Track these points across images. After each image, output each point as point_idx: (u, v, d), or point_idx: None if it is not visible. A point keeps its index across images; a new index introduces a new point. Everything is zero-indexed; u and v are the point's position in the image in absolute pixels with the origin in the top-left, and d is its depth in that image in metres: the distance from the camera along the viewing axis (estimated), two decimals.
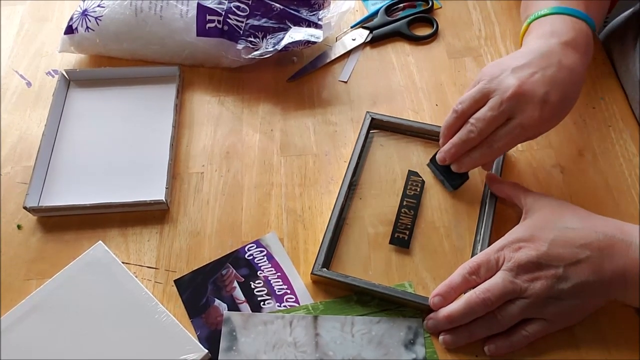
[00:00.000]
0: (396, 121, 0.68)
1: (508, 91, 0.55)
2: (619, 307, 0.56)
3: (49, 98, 0.72)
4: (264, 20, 0.72)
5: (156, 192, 0.64)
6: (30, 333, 0.56)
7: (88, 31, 0.74)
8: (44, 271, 0.60)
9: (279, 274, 0.60)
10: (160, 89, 0.74)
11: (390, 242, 0.61)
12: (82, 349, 0.55)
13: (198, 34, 0.72)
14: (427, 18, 0.80)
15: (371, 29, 0.79)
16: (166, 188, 0.64)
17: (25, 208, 0.62)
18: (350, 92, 0.74)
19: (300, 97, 0.74)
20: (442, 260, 0.60)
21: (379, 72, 0.75)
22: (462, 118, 0.58)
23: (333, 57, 0.77)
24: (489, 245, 0.57)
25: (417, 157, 0.67)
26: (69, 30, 0.74)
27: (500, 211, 0.62)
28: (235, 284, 0.60)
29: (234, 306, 0.58)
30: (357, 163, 0.65)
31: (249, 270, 0.60)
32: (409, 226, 0.62)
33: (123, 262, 0.60)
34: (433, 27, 0.79)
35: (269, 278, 0.60)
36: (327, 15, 0.73)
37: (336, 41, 0.78)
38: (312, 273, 0.58)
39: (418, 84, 0.74)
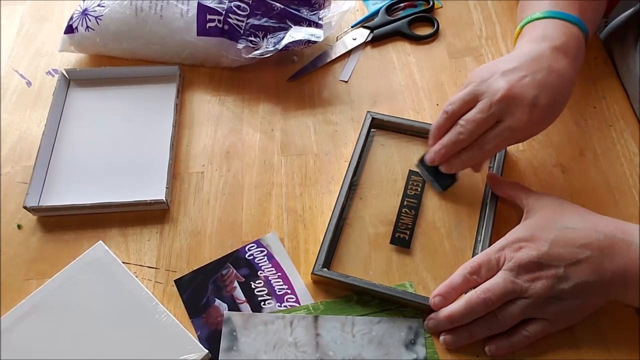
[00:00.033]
0: (397, 121, 0.68)
1: (497, 94, 0.55)
2: (619, 307, 0.56)
3: (49, 98, 0.72)
4: (264, 19, 0.72)
5: (156, 192, 0.64)
6: (30, 333, 0.56)
7: (88, 31, 0.74)
8: (44, 271, 0.60)
9: (279, 273, 0.60)
10: (161, 89, 0.74)
11: (391, 242, 0.61)
12: (82, 349, 0.55)
13: (198, 34, 0.72)
14: (427, 17, 0.80)
15: (372, 29, 0.79)
16: (166, 188, 0.64)
17: (25, 208, 0.62)
18: (350, 92, 0.74)
19: (300, 96, 0.73)
20: (443, 260, 0.60)
21: (380, 72, 0.75)
22: (452, 119, 0.58)
23: (334, 57, 0.77)
24: (489, 245, 0.57)
25: (417, 156, 0.66)
26: (69, 29, 0.74)
27: (501, 211, 0.62)
28: (236, 283, 0.60)
29: (234, 306, 0.58)
30: (358, 163, 0.65)
31: (250, 270, 0.60)
32: (410, 226, 0.62)
33: (123, 262, 0.60)
34: (434, 26, 0.79)
35: (270, 278, 0.60)
36: (328, 14, 0.73)
37: (337, 41, 0.78)
38: (312, 273, 0.58)
39: (419, 84, 0.74)
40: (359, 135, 0.67)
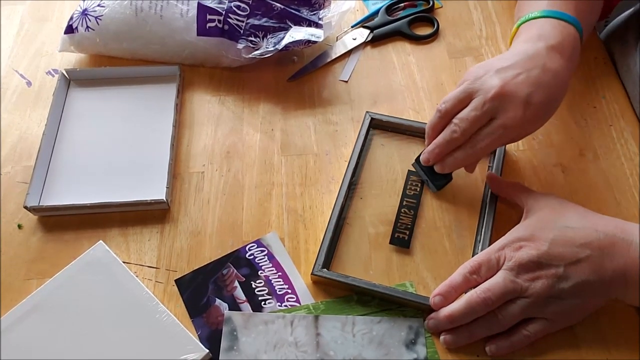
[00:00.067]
0: (396, 121, 0.68)
1: (491, 91, 0.55)
2: (619, 307, 0.56)
3: (49, 98, 0.72)
4: (264, 19, 0.72)
5: (157, 192, 0.64)
6: (30, 333, 0.56)
7: (88, 31, 0.74)
8: (44, 271, 0.60)
9: (279, 273, 0.60)
10: (161, 89, 0.74)
11: (391, 242, 0.61)
12: (82, 349, 0.55)
13: (198, 34, 0.72)
14: (427, 17, 0.80)
15: (372, 29, 0.79)
16: (167, 188, 0.64)
17: (25, 207, 0.62)
18: (350, 92, 0.74)
19: (300, 96, 0.73)
20: (443, 259, 0.60)
21: (380, 72, 0.75)
22: (445, 118, 0.58)
23: (334, 57, 0.77)
24: (489, 245, 0.57)
25: (416, 156, 0.67)
26: (69, 29, 0.74)
27: (501, 210, 0.62)
28: (236, 283, 0.60)
29: (234, 306, 0.58)
30: (357, 163, 0.65)
31: (250, 269, 0.60)
32: (409, 226, 0.62)
33: (123, 262, 0.60)
34: (434, 26, 0.79)
35: (270, 278, 0.60)
36: (328, 14, 0.73)
37: (337, 41, 0.78)
38: (312, 273, 0.58)
39: (419, 84, 0.74)
40: (358, 135, 0.67)
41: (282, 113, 0.72)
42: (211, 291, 0.59)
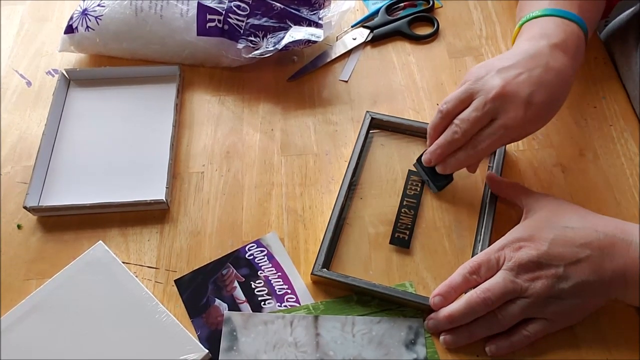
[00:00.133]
0: (396, 121, 0.68)
1: (492, 92, 0.55)
2: (619, 307, 0.55)
3: (49, 98, 0.72)
4: (264, 19, 0.72)
5: (156, 192, 0.64)
6: (30, 333, 0.56)
7: (88, 31, 0.74)
8: (44, 271, 0.60)
9: (279, 273, 0.60)
10: (161, 89, 0.74)
11: (391, 242, 0.61)
12: (82, 349, 0.55)
13: (198, 34, 0.72)
14: (427, 17, 0.80)
15: (372, 28, 0.79)
16: (166, 188, 0.64)
17: (25, 208, 0.62)
18: (350, 92, 0.74)
19: (300, 96, 0.73)
20: (443, 260, 0.60)
21: (380, 72, 0.75)
22: (447, 118, 0.58)
23: (333, 57, 0.77)
24: (489, 245, 0.57)
25: (417, 157, 0.67)
26: (69, 29, 0.74)
27: (501, 211, 0.62)
28: (236, 283, 0.60)
29: (234, 306, 0.58)
30: (357, 163, 0.65)
31: (250, 270, 0.60)
32: (409, 226, 0.62)
33: (123, 262, 0.60)
34: (434, 26, 0.79)
35: (270, 278, 0.60)
36: (328, 14, 0.73)
37: (337, 40, 0.78)
38: (312, 273, 0.58)
39: (419, 84, 0.74)
40: (359, 135, 0.67)
41: (282, 113, 0.72)
42: (211, 291, 0.59)
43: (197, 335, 0.57)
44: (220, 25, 0.72)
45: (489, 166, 0.65)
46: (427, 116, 0.71)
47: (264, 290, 0.59)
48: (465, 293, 0.55)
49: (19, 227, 0.64)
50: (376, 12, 0.81)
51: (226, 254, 0.61)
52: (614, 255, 0.51)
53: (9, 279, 0.60)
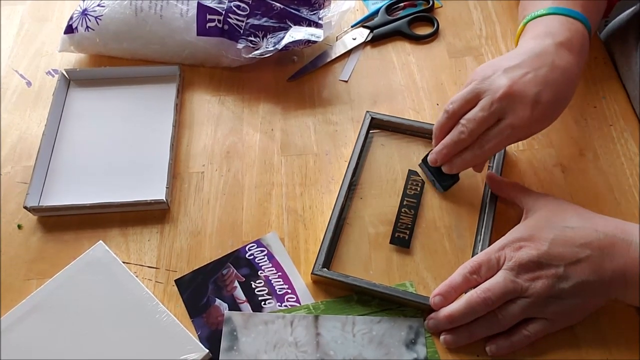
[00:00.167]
0: (396, 121, 0.68)
1: (499, 91, 0.55)
2: (619, 307, 0.55)
3: (49, 98, 0.72)
4: (264, 19, 0.72)
5: (156, 192, 0.64)
6: (30, 333, 0.56)
7: (88, 31, 0.74)
8: (44, 271, 0.60)
9: (279, 273, 0.60)
10: (161, 89, 0.74)
11: (391, 242, 0.61)
12: (82, 349, 0.55)
13: (198, 34, 0.72)
14: (427, 17, 0.80)
15: (372, 28, 0.79)
16: (166, 188, 0.64)
17: (25, 208, 0.62)
18: (350, 92, 0.74)
19: (300, 96, 0.73)
20: (443, 259, 0.60)
21: (380, 72, 0.75)
22: (453, 118, 0.58)
23: (333, 57, 0.77)
24: (489, 245, 0.57)
25: (417, 156, 0.67)
26: (69, 29, 0.74)
27: (501, 211, 0.62)
28: (236, 283, 0.60)
29: (234, 306, 0.58)
30: (357, 163, 0.65)
31: (250, 269, 0.60)
32: (410, 226, 0.62)
33: (123, 262, 0.60)
34: (434, 26, 0.79)
35: (270, 278, 0.60)
36: (328, 14, 0.73)
37: (337, 40, 0.78)
38: (312, 273, 0.58)
39: (419, 84, 0.74)
40: (359, 135, 0.67)
41: (282, 113, 0.72)
42: (211, 291, 0.59)
43: (198, 335, 0.57)
44: (220, 25, 0.72)
45: (489, 166, 0.65)
46: (427, 116, 0.71)
47: (264, 290, 0.59)
48: (465, 293, 0.55)
49: (19, 227, 0.64)
50: (376, 12, 0.81)
51: (226, 253, 0.61)
52: (614, 255, 0.51)
53: (9, 279, 0.60)
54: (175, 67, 0.73)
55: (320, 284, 0.59)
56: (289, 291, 0.59)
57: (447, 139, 0.58)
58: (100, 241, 0.61)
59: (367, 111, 0.69)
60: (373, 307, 0.58)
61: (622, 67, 0.72)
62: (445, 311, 0.54)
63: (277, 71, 0.76)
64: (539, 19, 0.60)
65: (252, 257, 0.61)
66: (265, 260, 0.61)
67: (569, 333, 0.55)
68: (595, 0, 0.64)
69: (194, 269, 0.61)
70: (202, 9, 0.71)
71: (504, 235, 0.56)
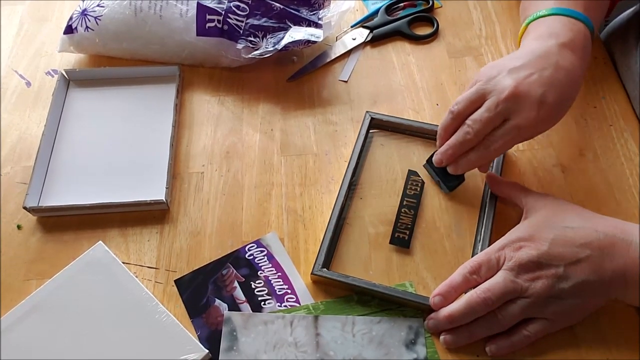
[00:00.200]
0: (396, 121, 0.68)
1: (504, 92, 0.55)
2: (619, 307, 0.55)
3: (49, 98, 0.72)
4: (264, 19, 0.72)
5: (156, 192, 0.64)
6: (30, 333, 0.56)
7: (88, 31, 0.74)
8: (44, 271, 0.60)
9: (279, 273, 0.60)
10: (160, 89, 0.74)
11: (391, 242, 0.61)
12: (82, 349, 0.55)
13: (198, 34, 0.72)
14: (427, 17, 0.80)
15: (371, 29, 0.79)
16: (166, 188, 0.64)
17: (25, 208, 0.62)
18: (350, 92, 0.74)
19: (300, 96, 0.73)
20: (443, 259, 0.60)
21: (380, 72, 0.75)
22: (458, 119, 0.58)
23: (333, 57, 0.77)
24: (489, 245, 0.57)
25: (417, 156, 0.67)
26: (69, 30, 0.74)
27: (501, 211, 0.62)
28: (236, 283, 0.60)
29: (234, 306, 0.58)
30: (357, 163, 0.65)
31: (250, 270, 0.60)
32: (410, 226, 0.62)
33: (123, 262, 0.60)
34: (433, 26, 0.79)
35: (270, 278, 0.60)
36: (327, 14, 0.73)
37: (336, 40, 0.78)
38: (312, 273, 0.58)
39: (418, 84, 0.74)
40: (358, 135, 0.67)
41: (281, 113, 0.72)
42: (211, 291, 0.59)
43: (197, 336, 0.57)
44: (219, 26, 0.72)
45: (489, 166, 0.65)
46: (427, 116, 0.71)
47: (264, 290, 0.59)
48: (465, 293, 0.55)
49: (18, 227, 0.64)
50: (376, 12, 0.81)
51: (226, 254, 0.61)
52: (614, 255, 0.51)
53: (9, 279, 0.60)
54: (174, 68, 0.73)
55: (320, 284, 0.59)
56: (289, 291, 0.59)
57: (453, 139, 0.58)
58: (100, 241, 0.61)
59: (367, 111, 0.69)
60: (373, 307, 0.58)
61: (622, 67, 0.72)
62: (445, 311, 0.54)
63: (276, 71, 0.76)
64: (541, 19, 0.60)
65: (251, 257, 0.61)
66: (265, 261, 0.61)
67: (569, 333, 0.55)
68: (597, 0, 0.63)
69: (194, 269, 0.61)
70: (201, 9, 0.71)
71: (504, 235, 0.56)
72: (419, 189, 0.64)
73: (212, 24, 0.72)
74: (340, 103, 0.73)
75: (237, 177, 0.67)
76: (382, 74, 0.75)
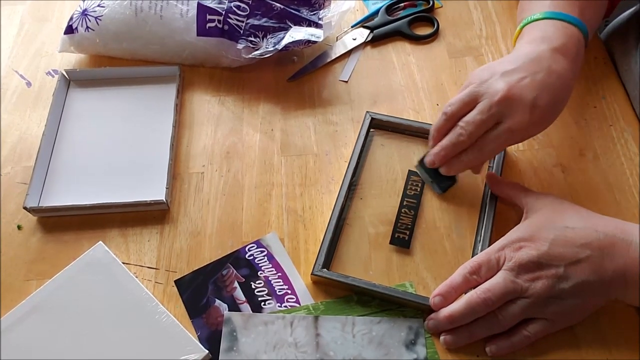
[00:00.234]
0: (396, 121, 0.68)
1: (497, 95, 0.55)
2: (619, 307, 0.55)
3: (49, 98, 0.72)
4: (264, 19, 0.72)
5: (156, 192, 0.64)
6: (30, 333, 0.56)
7: (88, 31, 0.74)
8: (44, 271, 0.60)
9: (279, 274, 0.60)
10: (161, 89, 0.74)
11: (391, 242, 0.61)
12: (82, 349, 0.55)
13: (198, 34, 0.72)
14: (427, 17, 0.80)
15: (372, 29, 0.79)
16: (166, 188, 0.64)
17: (25, 208, 0.62)
18: (350, 92, 0.74)
19: (300, 96, 0.73)
20: (443, 260, 0.60)
21: (380, 72, 0.75)
22: (451, 120, 0.58)
23: (333, 57, 0.77)
24: (489, 245, 0.57)
25: (417, 156, 0.66)
26: (69, 30, 0.74)
27: (501, 211, 0.62)
28: (236, 284, 0.60)
29: (234, 306, 0.58)
30: (357, 163, 0.65)
31: (250, 270, 0.60)
32: (410, 226, 0.62)
33: (123, 263, 0.60)
34: (434, 26, 0.78)
35: (270, 278, 0.60)
36: (328, 14, 0.73)
37: (337, 41, 0.78)
38: (312, 274, 0.58)
39: (419, 84, 0.74)
40: (359, 135, 0.67)
41: (282, 113, 0.72)
42: (211, 292, 0.59)
43: (197, 336, 0.57)
44: (220, 26, 0.72)
45: (489, 166, 0.65)
46: (427, 116, 0.71)
47: (264, 291, 0.59)
48: (465, 293, 0.55)
49: (19, 227, 0.64)
50: (376, 12, 0.81)
51: (226, 254, 0.61)
52: (614, 255, 0.51)
53: (9, 280, 0.60)
54: (175, 68, 0.73)
55: (320, 284, 0.59)
56: (289, 292, 0.59)
57: (445, 140, 0.58)
58: (100, 242, 0.61)
59: (367, 111, 0.69)
60: (373, 307, 0.58)
61: (622, 67, 0.72)
62: (445, 311, 0.54)
63: (277, 71, 0.76)
64: (536, 23, 0.61)
65: (252, 257, 0.61)
66: (265, 261, 0.61)
67: (569, 333, 0.55)
68: (593, 2, 0.64)
69: (194, 269, 0.61)
70: (202, 9, 0.71)
71: (504, 235, 0.56)
72: (419, 189, 0.64)
73: (213, 24, 0.72)
74: (340, 103, 0.73)
75: (237, 177, 0.67)
76: (383, 74, 0.75)
